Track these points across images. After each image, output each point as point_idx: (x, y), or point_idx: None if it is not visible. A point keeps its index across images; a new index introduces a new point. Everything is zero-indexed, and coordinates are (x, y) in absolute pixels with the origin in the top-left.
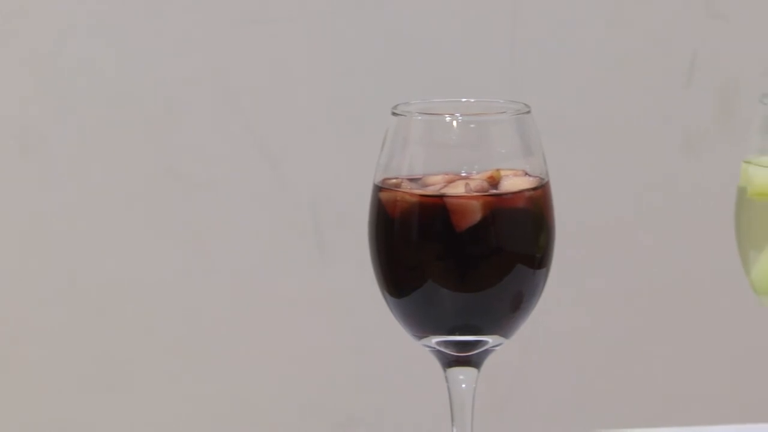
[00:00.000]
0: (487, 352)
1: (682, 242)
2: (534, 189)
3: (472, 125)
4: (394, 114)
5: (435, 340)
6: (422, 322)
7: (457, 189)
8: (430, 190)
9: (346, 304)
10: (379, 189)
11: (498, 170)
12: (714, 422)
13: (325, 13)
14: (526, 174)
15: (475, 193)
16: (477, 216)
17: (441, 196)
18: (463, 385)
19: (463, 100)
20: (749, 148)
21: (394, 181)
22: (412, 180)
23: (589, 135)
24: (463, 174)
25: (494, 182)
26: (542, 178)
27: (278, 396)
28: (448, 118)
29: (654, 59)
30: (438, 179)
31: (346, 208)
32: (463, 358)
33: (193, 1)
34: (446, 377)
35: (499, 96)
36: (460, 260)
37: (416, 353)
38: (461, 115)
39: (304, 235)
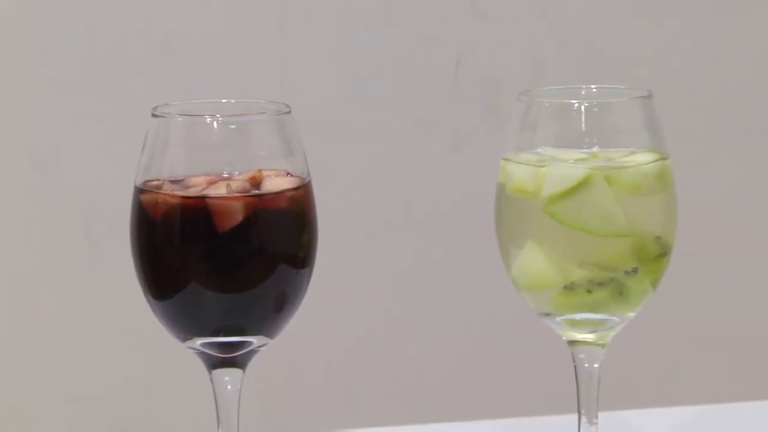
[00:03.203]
0: (252, 353)
1: (448, 240)
2: (295, 189)
3: (232, 126)
4: (154, 115)
5: (199, 342)
6: (186, 325)
7: (219, 190)
8: (191, 192)
9: (117, 309)
10: (140, 191)
11: (260, 171)
12: (478, 417)
13: (88, 12)
14: (288, 174)
15: (237, 194)
16: (239, 217)
17: (202, 198)
18: (229, 386)
19: (224, 100)
20: (508, 145)
21: (155, 182)
22: (173, 182)
23: (355, 134)
24: (225, 175)
25: (256, 183)
26: (304, 178)
27: (48, 407)
28: (208, 119)
29: (420, 58)
30: (200, 180)
31: (116, 210)
32: (228, 359)
33: None
34: (211, 379)
35: (266, 96)
36: (222, 261)
37: (187, 356)
38: (221, 116)
39: (73, 238)
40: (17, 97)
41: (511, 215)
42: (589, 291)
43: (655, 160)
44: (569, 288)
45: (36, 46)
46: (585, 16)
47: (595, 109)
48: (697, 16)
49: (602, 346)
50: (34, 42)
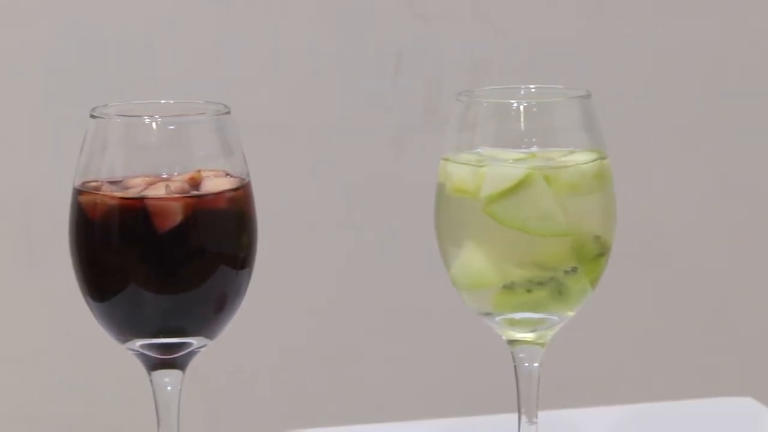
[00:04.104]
0: (192, 354)
1: (388, 239)
2: (235, 189)
3: (171, 127)
4: (92, 116)
5: (139, 343)
6: (125, 326)
7: (158, 191)
8: (130, 193)
9: (56, 310)
10: (78, 192)
11: (199, 171)
12: (418, 417)
13: (26, 13)
14: (228, 175)
15: (176, 195)
16: (178, 218)
17: (141, 199)
18: (169, 388)
19: (162, 101)
20: (447, 145)
21: (93, 184)
22: (112, 183)
23: (295, 134)
24: (164, 176)
25: (195, 183)
26: (243, 179)
27: None
28: (146, 120)
29: (360, 58)
30: (139, 182)
31: (55, 211)
32: (168, 360)
33: None
34: (151, 380)
35: (205, 97)
36: (161, 262)
37: (128, 356)
38: (160, 117)
39: (12, 240)
40: None
41: (451, 215)
42: (528, 290)
43: (594, 160)
44: (509, 287)
45: None
46: (524, 17)
47: (534, 109)
48: (636, 16)
49: (542, 345)
50: None
